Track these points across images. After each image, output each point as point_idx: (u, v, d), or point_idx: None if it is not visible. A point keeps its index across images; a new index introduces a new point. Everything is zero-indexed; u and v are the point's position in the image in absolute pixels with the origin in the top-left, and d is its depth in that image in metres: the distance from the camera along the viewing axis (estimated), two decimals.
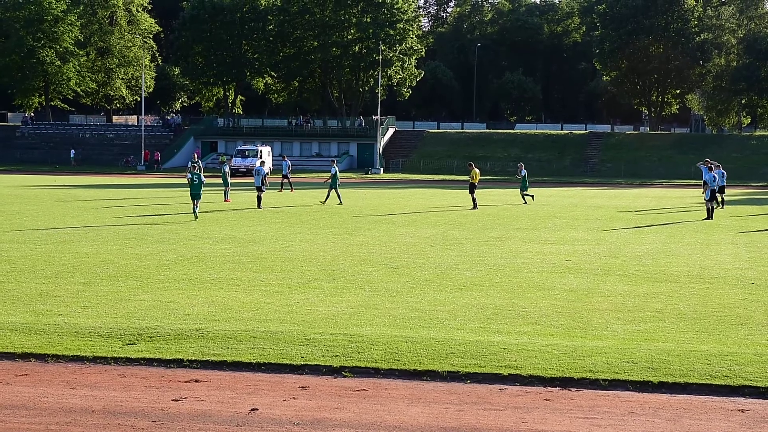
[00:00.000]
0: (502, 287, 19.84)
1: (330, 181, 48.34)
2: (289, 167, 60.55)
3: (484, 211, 43.03)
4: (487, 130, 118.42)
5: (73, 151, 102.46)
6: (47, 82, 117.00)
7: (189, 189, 39.00)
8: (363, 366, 13.03)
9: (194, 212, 37.54)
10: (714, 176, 40.68)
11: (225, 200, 47.78)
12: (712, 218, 39.41)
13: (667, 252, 27.17)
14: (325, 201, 47.35)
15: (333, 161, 51.71)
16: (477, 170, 46.97)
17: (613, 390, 12.20)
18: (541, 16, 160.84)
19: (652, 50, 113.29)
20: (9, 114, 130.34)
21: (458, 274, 21.84)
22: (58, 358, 13.44)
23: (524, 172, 51.02)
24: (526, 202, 49.45)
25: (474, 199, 45.22)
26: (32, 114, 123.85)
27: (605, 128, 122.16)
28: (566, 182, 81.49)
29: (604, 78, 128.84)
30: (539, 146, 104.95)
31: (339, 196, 47.63)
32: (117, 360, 13.34)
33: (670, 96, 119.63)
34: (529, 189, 51.01)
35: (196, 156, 63.29)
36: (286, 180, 58.71)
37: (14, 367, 13.00)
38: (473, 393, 12.03)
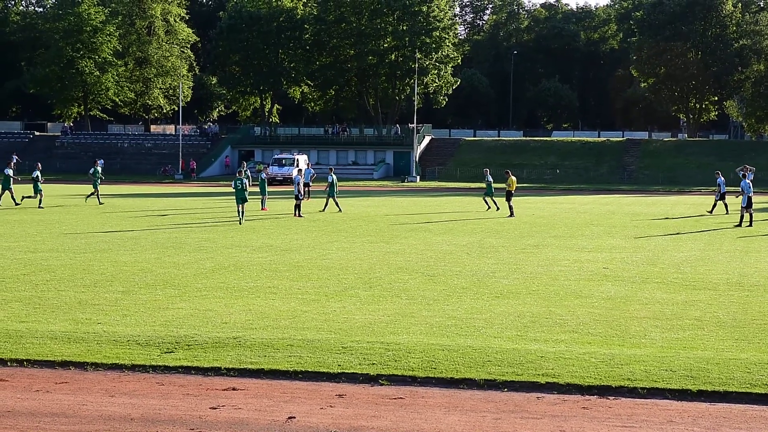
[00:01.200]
0: (539, 295, 19.77)
1: (328, 189, 48.54)
2: (312, 176, 60.76)
3: (521, 219, 42.89)
4: (524, 138, 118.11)
5: (101, 161, 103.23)
6: (86, 92, 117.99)
7: (234, 194, 41.28)
8: (400, 374, 13.02)
9: (240, 216, 39.83)
10: (749, 183, 40.66)
11: (262, 209, 47.91)
12: (741, 225, 39.46)
13: (706, 259, 26.97)
14: (324, 209, 47.51)
15: (330, 170, 51.82)
16: (513, 178, 46.82)
17: (651, 398, 12.11)
18: (578, 23, 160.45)
19: (690, 56, 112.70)
20: (49, 124, 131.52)
21: (495, 282, 21.79)
22: (97, 366, 13.53)
23: (490, 177, 50.83)
24: (489, 208, 49.26)
25: (511, 207, 45.09)
26: (71, 124, 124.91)
27: (643, 135, 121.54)
28: (603, 190, 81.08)
29: (642, 85, 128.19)
30: (576, 154, 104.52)
31: (337, 204, 47.82)
32: (155, 368, 13.41)
33: (708, 102, 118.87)
34: (498, 197, 49.89)
35: (245, 164, 63.58)
36: (307, 189, 58.80)
37: (54, 375, 13.10)
38: (510, 401, 11.99)
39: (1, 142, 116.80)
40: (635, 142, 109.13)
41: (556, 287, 20.93)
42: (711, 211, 47.62)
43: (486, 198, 50.32)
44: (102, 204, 50.04)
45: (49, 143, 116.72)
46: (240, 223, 38.82)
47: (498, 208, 48.21)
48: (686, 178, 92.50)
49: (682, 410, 11.66)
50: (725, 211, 46.83)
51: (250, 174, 49.75)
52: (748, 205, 40.26)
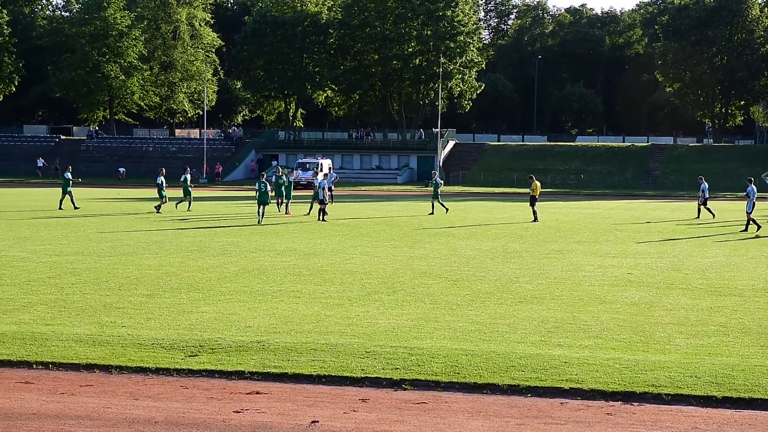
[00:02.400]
0: (563, 300, 19.72)
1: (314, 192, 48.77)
2: (335, 179, 60.74)
3: (545, 224, 42.80)
4: (548, 143, 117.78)
5: (122, 169, 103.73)
6: (112, 96, 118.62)
7: (257, 197, 43.78)
8: (423, 379, 13.02)
9: (260, 217, 42.29)
10: (754, 189, 41.36)
11: (286, 213, 48.02)
12: (747, 231, 39.67)
13: (731, 265, 26.83)
14: (308, 212, 47.84)
15: (316, 174, 51.94)
16: (538, 183, 46.73)
17: (676, 405, 12.06)
18: (603, 27, 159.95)
19: (715, 61, 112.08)
20: (74, 128, 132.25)
21: (519, 287, 21.75)
22: (121, 369, 13.59)
23: (437, 180, 50.78)
24: (432, 212, 49.22)
25: (535, 212, 45.00)
26: (97, 128, 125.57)
27: (668, 140, 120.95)
28: (628, 195, 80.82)
29: (667, 89, 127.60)
30: (600, 159, 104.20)
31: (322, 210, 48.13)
32: (179, 371, 13.45)
33: (734, 107, 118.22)
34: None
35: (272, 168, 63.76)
36: (330, 193, 58.76)
37: (79, 378, 13.17)
38: (534, 407, 11.96)
39: (27, 146, 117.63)
40: (660, 147, 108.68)
41: (580, 292, 20.88)
42: (698, 216, 48.47)
43: (434, 202, 50.22)
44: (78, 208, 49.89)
45: (74, 147, 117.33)
46: (259, 223, 41.34)
47: (447, 210, 48.79)
48: (711, 184, 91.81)
49: (707, 417, 11.61)
50: (711, 215, 47.86)
51: (272, 180, 49.76)
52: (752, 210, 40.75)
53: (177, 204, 50.93)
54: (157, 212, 47.82)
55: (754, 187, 41.35)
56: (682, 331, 16.45)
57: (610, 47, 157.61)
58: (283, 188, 49.49)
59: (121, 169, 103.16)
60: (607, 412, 11.74)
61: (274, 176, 50.70)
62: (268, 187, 44.24)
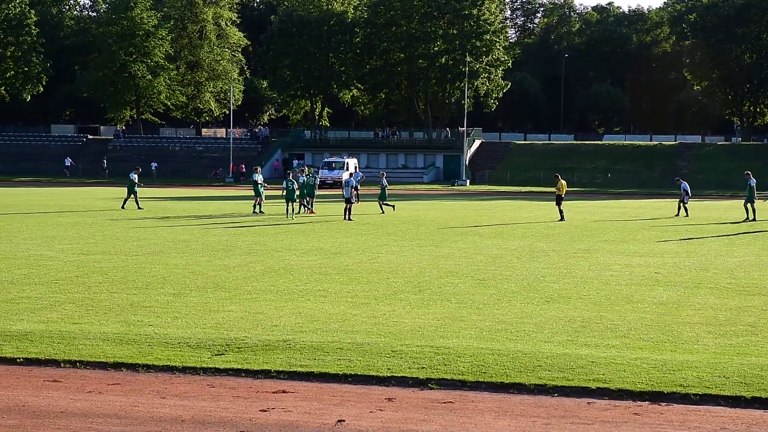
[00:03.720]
0: (590, 300, 19.64)
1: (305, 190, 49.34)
2: (360, 178, 60.80)
3: (572, 223, 42.67)
4: (575, 142, 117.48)
5: (154, 164, 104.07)
6: (138, 95, 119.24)
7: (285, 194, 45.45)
8: (449, 378, 12.99)
9: (288, 214, 44.29)
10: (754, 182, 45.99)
11: (310, 212, 48.07)
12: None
13: (760, 264, 26.65)
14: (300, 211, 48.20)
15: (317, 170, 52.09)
16: (563, 182, 46.56)
17: (704, 405, 11.98)
18: (630, 26, 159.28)
19: (744, 59, 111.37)
20: (102, 127, 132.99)
21: (545, 286, 21.68)
22: (148, 368, 13.63)
23: (385, 182, 50.78)
24: (383, 212, 49.11)
25: (561, 211, 44.84)
26: (124, 127, 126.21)
27: (696, 139, 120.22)
28: (655, 194, 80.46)
29: (695, 88, 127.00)
30: (627, 157, 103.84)
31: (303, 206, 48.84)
32: (206, 370, 13.48)
33: (763, 106, 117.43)
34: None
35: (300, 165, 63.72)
36: (356, 192, 58.76)
37: (106, 377, 13.21)
38: (561, 406, 11.91)
39: (55, 146, 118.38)
40: (688, 145, 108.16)
41: (607, 292, 20.79)
42: (677, 215, 48.79)
43: (382, 203, 50.24)
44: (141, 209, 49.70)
45: (101, 147, 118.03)
46: (287, 216, 44.04)
47: (394, 209, 49.06)
48: (740, 183, 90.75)
49: (735, 417, 11.52)
50: (686, 214, 48.22)
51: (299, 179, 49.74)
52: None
53: (257, 206, 48.91)
54: (259, 212, 47.51)
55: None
56: (710, 330, 16.35)
57: (638, 45, 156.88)
58: (304, 188, 49.19)
59: (154, 165, 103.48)
60: (635, 412, 11.67)
61: (297, 175, 50.32)
62: (295, 185, 45.83)
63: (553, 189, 48.09)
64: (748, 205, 46.33)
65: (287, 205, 44.90)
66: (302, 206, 48.73)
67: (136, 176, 50.93)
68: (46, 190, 74.92)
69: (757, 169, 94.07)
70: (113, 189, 74.02)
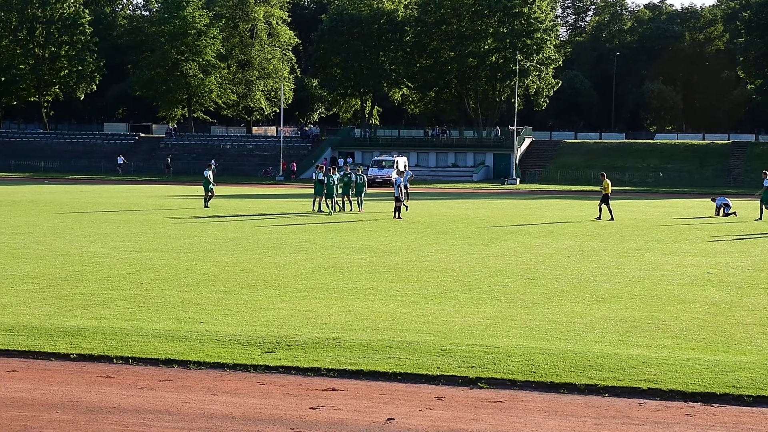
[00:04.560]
0: (641, 300, 19.49)
1: (350, 188, 49.22)
2: (410, 177, 60.67)
3: (623, 223, 42.38)
4: (626, 141, 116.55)
5: (214, 161, 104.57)
6: (190, 94, 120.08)
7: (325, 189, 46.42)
8: (499, 377, 12.96)
9: (327, 208, 45.85)
10: None
11: (359, 210, 48.12)
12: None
13: None
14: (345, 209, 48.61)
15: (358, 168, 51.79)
16: (608, 180, 46.09)
17: (757, 407, 11.85)
18: (683, 23, 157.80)
19: None
20: (153, 126, 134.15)
21: (596, 285, 21.55)
22: (199, 364, 13.72)
23: (363, 176, 50.25)
24: (351, 209, 48.77)
25: (610, 210, 44.41)
26: (175, 125, 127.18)
27: (749, 138, 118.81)
28: (708, 193, 79.64)
29: (749, 86, 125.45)
30: (679, 156, 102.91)
31: (352, 203, 49.13)
32: (256, 368, 13.55)
33: None
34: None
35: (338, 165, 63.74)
36: (406, 191, 58.65)
37: (158, 373, 13.33)
38: (611, 407, 11.84)
39: (107, 144, 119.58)
40: (741, 144, 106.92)
41: (659, 292, 20.62)
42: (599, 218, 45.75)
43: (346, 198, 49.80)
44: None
45: (153, 145, 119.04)
46: (327, 213, 45.53)
47: (361, 209, 48.48)
48: None
49: None
50: (608, 216, 44.65)
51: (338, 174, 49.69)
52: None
53: (357, 205, 49.39)
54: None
55: None
56: (764, 331, 16.17)
57: (690, 43, 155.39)
58: (343, 185, 49.09)
59: (214, 162, 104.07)
60: (687, 413, 11.57)
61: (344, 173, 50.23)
62: (334, 180, 46.80)
63: (598, 188, 47.81)
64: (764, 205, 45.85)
65: (325, 201, 46.41)
66: (344, 204, 49.07)
67: (210, 173, 50.79)
68: (98, 188, 75.68)
69: None
70: (168, 187, 74.59)
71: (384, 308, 18.11)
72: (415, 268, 24.56)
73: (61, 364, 13.83)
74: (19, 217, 40.77)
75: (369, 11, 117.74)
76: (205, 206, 49.32)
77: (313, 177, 49.92)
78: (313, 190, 48.82)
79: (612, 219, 43.73)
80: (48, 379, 12.98)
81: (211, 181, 50.25)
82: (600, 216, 44.48)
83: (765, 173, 46.38)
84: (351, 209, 48.51)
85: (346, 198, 49.28)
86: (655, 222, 43.46)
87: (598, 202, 45.77)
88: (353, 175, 49.57)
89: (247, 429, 10.78)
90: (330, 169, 49.11)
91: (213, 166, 53.21)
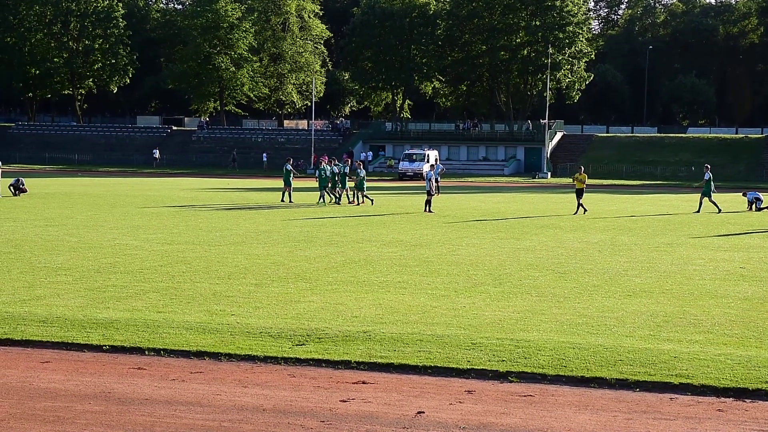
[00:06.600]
0: (673, 294, 19.40)
1: (358, 182, 49.07)
2: (441, 170, 60.59)
3: (654, 217, 42.16)
4: (658, 134, 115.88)
5: (265, 155, 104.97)
6: (222, 87, 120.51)
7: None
8: (529, 371, 12.94)
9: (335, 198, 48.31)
10: None
11: (356, 203, 48.28)
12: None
13: None
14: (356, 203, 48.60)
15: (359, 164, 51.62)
16: (585, 174, 46.06)
17: None
18: (717, 17, 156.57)
19: None
20: (186, 119, 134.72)
21: (627, 280, 21.47)
22: (230, 356, 13.79)
23: (362, 172, 49.64)
24: (359, 203, 48.47)
25: (581, 204, 44.11)
26: (207, 119, 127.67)
27: None
28: (741, 187, 79.01)
29: None
30: (712, 150, 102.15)
31: (326, 197, 49.63)
32: (287, 360, 13.59)
33: None
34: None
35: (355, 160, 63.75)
36: (436, 184, 58.59)
37: (189, 365, 13.40)
38: (643, 401, 11.80)
39: (140, 137, 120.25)
40: None
41: (691, 287, 20.51)
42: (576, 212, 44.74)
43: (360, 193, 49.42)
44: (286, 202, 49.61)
45: (185, 137, 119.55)
46: (322, 202, 47.63)
47: (360, 202, 48.31)
48: None
49: None
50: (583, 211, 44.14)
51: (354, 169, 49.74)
52: None
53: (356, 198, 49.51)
54: (282, 201, 49.42)
55: None
56: None
57: (724, 37, 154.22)
58: (338, 178, 49.31)
59: (265, 156, 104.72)
60: (719, 409, 11.52)
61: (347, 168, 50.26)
62: (326, 172, 48.81)
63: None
64: (705, 198, 45.80)
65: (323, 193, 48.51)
66: (325, 196, 49.37)
67: (290, 166, 50.96)
68: (132, 180, 76.08)
69: None
70: (200, 180, 74.81)
71: (414, 301, 18.12)
72: (446, 261, 24.55)
73: (93, 355, 13.94)
74: (53, 210, 41.07)
75: (401, 5, 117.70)
76: (283, 200, 49.59)
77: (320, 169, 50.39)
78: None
79: (585, 212, 43.29)
80: (81, 370, 13.09)
81: (292, 172, 50.76)
82: (577, 212, 43.81)
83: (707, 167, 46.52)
84: (356, 202, 48.48)
85: (349, 191, 49.63)
86: (687, 217, 43.21)
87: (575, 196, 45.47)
88: (344, 167, 49.74)
89: (278, 421, 10.82)
90: (322, 161, 50.22)
91: (291, 162, 53.26)
